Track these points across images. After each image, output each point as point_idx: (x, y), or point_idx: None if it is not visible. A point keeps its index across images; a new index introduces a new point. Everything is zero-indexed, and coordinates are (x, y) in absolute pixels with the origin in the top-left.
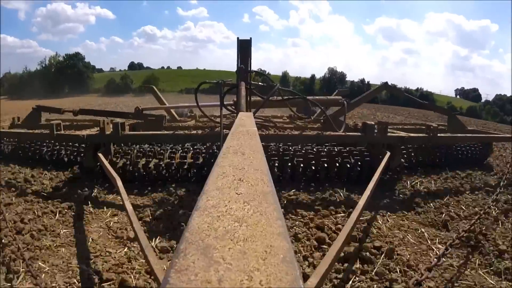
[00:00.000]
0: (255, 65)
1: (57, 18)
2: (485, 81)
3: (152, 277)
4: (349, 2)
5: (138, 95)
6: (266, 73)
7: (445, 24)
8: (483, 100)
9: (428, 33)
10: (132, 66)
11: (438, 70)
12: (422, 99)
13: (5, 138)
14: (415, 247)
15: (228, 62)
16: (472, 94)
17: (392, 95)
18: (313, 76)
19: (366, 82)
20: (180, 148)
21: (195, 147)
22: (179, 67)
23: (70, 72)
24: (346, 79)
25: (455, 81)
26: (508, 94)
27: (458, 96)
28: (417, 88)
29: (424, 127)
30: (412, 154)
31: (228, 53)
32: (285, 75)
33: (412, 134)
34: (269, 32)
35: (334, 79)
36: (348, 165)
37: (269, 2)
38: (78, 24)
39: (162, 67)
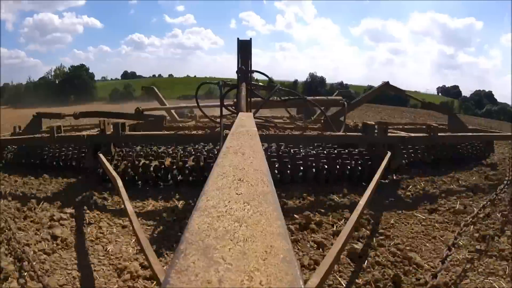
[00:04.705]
0: None
1: (45, 28)
2: (472, 78)
3: (153, 277)
4: (334, 3)
5: (144, 101)
6: (254, 79)
7: (429, 23)
8: (463, 96)
9: (413, 32)
10: (126, 75)
11: (425, 69)
12: (396, 98)
13: (8, 146)
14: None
15: (216, 68)
16: (452, 91)
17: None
18: (295, 81)
19: (345, 85)
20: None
21: (196, 147)
22: (171, 75)
23: (76, 82)
24: (326, 82)
25: (443, 79)
26: (487, 90)
27: (440, 94)
28: None
29: (424, 127)
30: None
31: (216, 59)
32: (271, 80)
33: (412, 134)
34: (256, 37)
35: (315, 83)
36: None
37: (255, 7)
38: (66, 34)
39: (154, 75)
